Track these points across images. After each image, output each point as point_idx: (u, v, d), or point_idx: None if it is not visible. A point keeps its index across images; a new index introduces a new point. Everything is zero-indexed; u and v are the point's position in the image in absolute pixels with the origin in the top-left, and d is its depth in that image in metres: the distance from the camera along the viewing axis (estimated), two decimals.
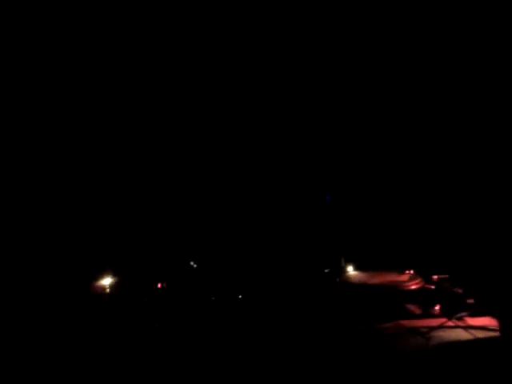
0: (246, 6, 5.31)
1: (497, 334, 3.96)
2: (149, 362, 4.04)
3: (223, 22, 5.39)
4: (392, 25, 5.35)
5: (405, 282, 4.71)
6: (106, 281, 5.56)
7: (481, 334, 4.04)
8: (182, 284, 5.29)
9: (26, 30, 5.17)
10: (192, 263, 5.27)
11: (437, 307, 4.49)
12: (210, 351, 4.14)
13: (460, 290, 4.51)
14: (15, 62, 5.24)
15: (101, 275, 5.54)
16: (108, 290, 5.45)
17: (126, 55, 5.45)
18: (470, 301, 4.42)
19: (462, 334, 4.09)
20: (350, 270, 5.02)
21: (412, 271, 4.98)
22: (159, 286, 5.26)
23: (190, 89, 5.61)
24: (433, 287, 4.67)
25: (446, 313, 4.40)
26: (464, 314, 4.29)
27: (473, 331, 4.11)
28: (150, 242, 5.77)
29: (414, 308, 4.60)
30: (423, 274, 4.90)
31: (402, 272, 4.94)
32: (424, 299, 4.60)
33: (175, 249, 5.62)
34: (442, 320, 4.28)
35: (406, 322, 4.38)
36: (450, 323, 4.22)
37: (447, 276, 4.81)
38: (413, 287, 4.65)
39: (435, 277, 4.83)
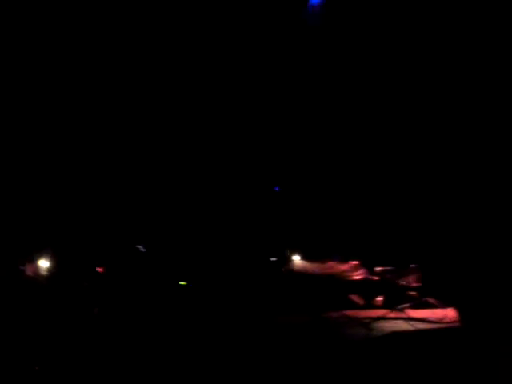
0: (246, 6, 5.26)
1: (436, 325, 4.04)
2: (87, 348, 3.91)
3: (223, 21, 5.32)
4: (392, 25, 5.36)
5: (349, 272, 4.74)
6: (44, 263, 5.34)
7: (421, 326, 4.11)
8: (123, 268, 5.13)
9: (27, 30, 5.02)
10: (140, 247, 5.11)
11: (379, 298, 4.54)
12: (148, 338, 4.03)
13: (402, 282, 4.57)
14: (15, 62, 5.07)
15: (38, 256, 5.33)
16: (45, 273, 5.24)
17: (126, 55, 5.32)
18: (412, 293, 4.49)
19: (402, 326, 4.15)
20: (296, 259, 5.00)
21: (357, 262, 5.01)
22: (100, 270, 5.10)
23: (186, 88, 5.51)
24: (376, 278, 4.72)
25: (388, 304, 4.45)
26: (405, 305, 4.35)
27: (413, 323, 4.17)
28: (92, 223, 5.57)
29: (357, 298, 4.64)
30: (367, 264, 4.94)
31: (347, 262, 4.96)
32: (367, 290, 4.64)
33: (119, 231, 5.45)
34: (384, 311, 4.32)
35: (349, 312, 4.41)
36: (392, 314, 4.28)
37: (391, 268, 4.87)
38: (356, 278, 4.69)
39: (378, 268, 4.88)
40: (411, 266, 4.82)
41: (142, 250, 5.12)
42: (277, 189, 5.82)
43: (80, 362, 3.64)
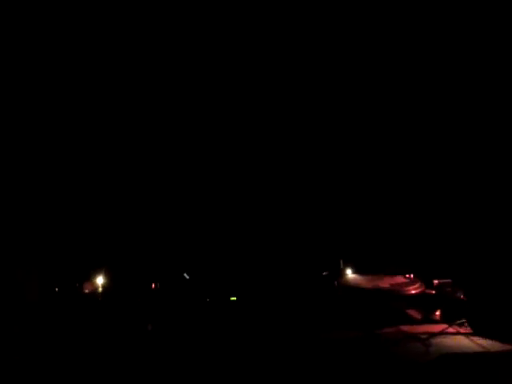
0: (246, 6, 5.25)
1: (498, 342, 3.83)
2: (142, 363, 3.93)
3: (223, 22, 5.33)
4: (392, 25, 5.26)
5: (405, 286, 4.58)
6: (99, 280, 5.45)
7: (482, 342, 3.91)
8: (176, 285, 5.17)
9: (27, 30, 5.14)
10: (185, 275, 5.15)
11: (437, 313, 4.36)
12: (203, 354, 4.02)
13: (461, 295, 4.37)
14: (16, 63, 5.20)
15: (94, 274, 5.43)
16: (100, 289, 5.33)
17: (126, 55, 5.39)
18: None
19: (463, 341, 3.96)
20: (349, 272, 4.88)
21: (412, 275, 4.84)
22: (153, 286, 5.14)
23: (187, 89, 5.53)
24: (433, 292, 4.54)
25: (447, 319, 4.26)
26: (465, 320, 4.15)
27: (474, 338, 3.98)
28: (146, 244, 5.64)
29: (414, 313, 4.47)
30: (424, 278, 4.76)
31: (402, 276, 4.80)
32: (424, 304, 4.47)
33: (169, 257, 5.50)
34: (443, 326, 4.14)
35: (406, 328, 4.25)
36: (451, 329, 4.09)
37: (448, 280, 4.68)
38: (413, 292, 4.52)
39: (436, 281, 4.69)
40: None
41: (187, 277, 5.14)
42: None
43: (137, 376, 3.66)
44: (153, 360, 4.00)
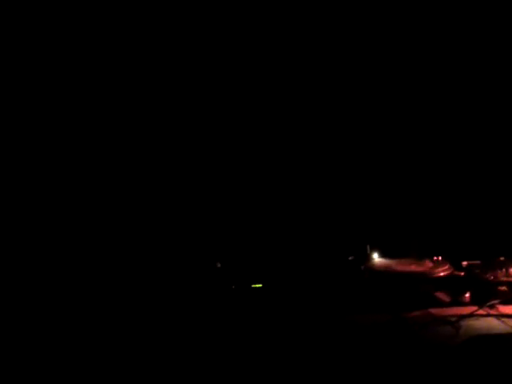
0: (246, 6, 5.24)
1: None
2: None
3: (223, 22, 5.32)
4: (392, 25, 5.20)
5: (433, 268, 4.51)
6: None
7: None
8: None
9: (26, 30, 5.17)
10: (218, 264, 5.14)
11: (467, 295, 4.30)
12: (226, 342, 4.02)
13: (491, 277, 4.30)
14: (15, 63, 5.25)
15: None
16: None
17: (126, 55, 5.41)
18: (502, 288, 4.21)
19: (493, 323, 3.91)
20: (375, 256, 4.83)
21: (440, 257, 4.77)
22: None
23: (190, 89, 5.54)
24: (462, 274, 4.47)
25: (477, 301, 4.21)
26: (496, 301, 4.09)
27: (505, 320, 3.92)
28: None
29: (443, 296, 4.42)
30: (452, 259, 4.69)
31: (430, 258, 4.73)
32: (453, 287, 4.41)
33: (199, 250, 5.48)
34: (473, 308, 4.09)
35: (435, 311, 4.21)
36: (481, 311, 4.04)
37: (478, 262, 4.60)
38: (441, 274, 4.46)
39: (465, 263, 4.62)
40: (500, 259, 4.52)
41: (219, 265, 5.12)
42: None
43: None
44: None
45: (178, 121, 5.43)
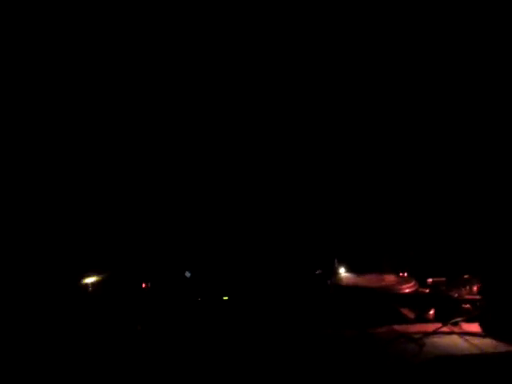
0: (246, 6, 5.24)
1: (493, 341, 3.80)
2: (131, 364, 3.88)
3: (223, 22, 5.31)
4: (392, 25, 5.24)
5: (398, 285, 4.53)
6: (89, 279, 5.37)
7: (477, 341, 3.87)
8: (167, 285, 5.09)
9: (26, 30, 5.12)
10: (187, 273, 5.07)
11: (431, 312, 4.32)
12: (194, 354, 3.97)
13: (456, 294, 4.33)
14: (15, 63, 5.18)
15: (84, 273, 5.35)
16: (90, 289, 5.25)
17: (126, 55, 5.37)
18: (466, 306, 4.25)
19: (457, 341, 3.93)
20: (342, 271, 4.84)
21: (405, 273, 4.80)
22: (143, 285, 5.07)
23: (190, 89, 5.52)
24: (427, 291, 4.50)
25: (441, 318, 4.23)
26: (459, 319, 4.12)
27: (468, 338, 3.95)
28: (139, 242, 5.57)
29: (408, 312, 4.43)
30: (417, 276, 4.72)
31: (396, 274, 4.76)
32: (418, 303, 4.43)
33: (165, 255, 5.43)
34: (437, 325, 4.11)
35: (399, 327, 4.21)
36: (445, 329, 4.05)
37: (443, 279, 4.64)
38: (406, 290, 4.48)
39: (430, 280, 4.66)
40: (464, 276, 4.57)
41: (188, 275, 5.07)
42: None
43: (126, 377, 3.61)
44: (143, 360, 3.94)
45: (174, 120, 5.38)
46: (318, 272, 4.91)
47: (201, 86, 5.38)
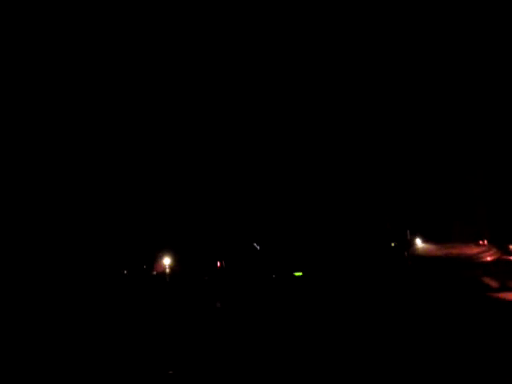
0: (246, 6, 5.18)
1: None
2: (212, 340, 3.96)
3: (223, 22, 5.27)
4: (392, 25, 5.07)
5: (479, 253, 4.37)
6: (166, 260, 5.52)
7: None
8: (241, 263, 5.16)
9: (27, 30, 5.20)
10: (255, 245, 5.12)
11: None
12: (273, 328, 4.00)
13: None
14: (16, 63, 5.28)
15: (161, 255, 5.50)
16: (168, 270, 5.40)
17: (126, 55, 5.40)
18: None
19: None
20: (418, 242, 4.72)
21: (486, 241, 4.63)
22: (218, 264, 5.15)
23: (189, 89, 5.52)
24: (511, 258, 4.32)
25: None
26: None
27: None
28: (211, 223, 5.66)
29: (491, 281, 4.27)
30: (498, 243, 4.54)
31: (476, 243, 4.59)
32: (501, 271, 4.26)
33: (237, 230, 5.50)
34: None
35: (483, 297, 4.06)
36: None
37: None
38: (488, 259, 4.31)
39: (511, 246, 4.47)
40: None
41: (257, 247, 5.11)
42: None
43: (208, 354, 3.68)
44: (223, 338, 4.00)
45: (174, 119, 5.44)
46: (393, 244, 4.82)
47: (201, 85, 5.37)
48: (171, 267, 5.40)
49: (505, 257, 4.30)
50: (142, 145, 5.73)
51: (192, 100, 5.47)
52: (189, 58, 5.34)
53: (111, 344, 3.93)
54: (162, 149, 5.72)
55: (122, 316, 4.51)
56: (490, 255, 4.31)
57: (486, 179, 5.34)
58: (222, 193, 5.71)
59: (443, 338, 3.58)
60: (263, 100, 5.53)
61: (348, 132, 5.61)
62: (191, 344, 3.85)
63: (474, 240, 4.71)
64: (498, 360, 3.21)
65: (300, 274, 4.63)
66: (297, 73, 5.36)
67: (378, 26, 5.07)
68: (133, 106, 5.43)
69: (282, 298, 4.48)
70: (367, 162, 5.56)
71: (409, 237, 5.08)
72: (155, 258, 5.56)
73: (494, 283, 4.22)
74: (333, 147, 5.58)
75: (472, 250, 4.49)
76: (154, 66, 5.33)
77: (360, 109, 5.59)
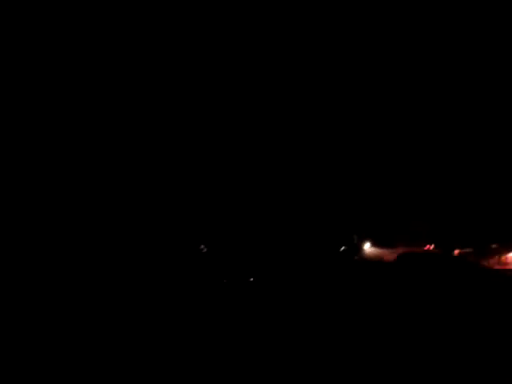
0: (246, 6, 5.20)
1: None
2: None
3: (223, 22, 5.27)
4: (392, 25, 5.18)
5: None
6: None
7: None
8: (186, 266, 5.07)
9: (27, 30, 5.09)
10: (202, 247, 5.05)
11: None
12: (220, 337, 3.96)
13: (484, 263, 4.27)
14: (16, 63, 5.16)
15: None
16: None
17: (126, 55, 5.34)
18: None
19: None
20: (367, 247, 4.78)
21: (433, 246, 4.74)
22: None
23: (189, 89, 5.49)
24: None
25: None
26: None
27: None
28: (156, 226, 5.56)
29: None
30: (444, 248, 4.66)
31: (422, 247, 4.69)
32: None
33: (183, 232, 5.42)
34: None
35: None
36: None
37: (470, 250, 4.57)
38: None
39: (457, 251, 4.59)
40: (492, 246, 4.50)
41: (204, 249, 5.05)
42: None
43: None
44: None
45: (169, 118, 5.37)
46: (342, 249, 4.86)
47: (200, 85, 5.35)
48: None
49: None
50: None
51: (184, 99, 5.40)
52: (189, 57, 5.28)
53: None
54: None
55: None
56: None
57: (432, 185, 5.46)
58: (160, 189, 5.63)
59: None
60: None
61: (292, 134, 5.64)
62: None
63: (420, 245, 4.81)
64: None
65: (252, 279, 4.61)
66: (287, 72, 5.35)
67: (378, 25, 5.10)
68: (133, 105, 5.34)
69: (234, 304, 4.45)
70: (313, 167, 5.59)
71: (356, 241, 5.15)
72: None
73: None
74: (281, 149, 5.58)
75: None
76: (154, 65, 5.26)
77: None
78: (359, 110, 5.61)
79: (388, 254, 4.65)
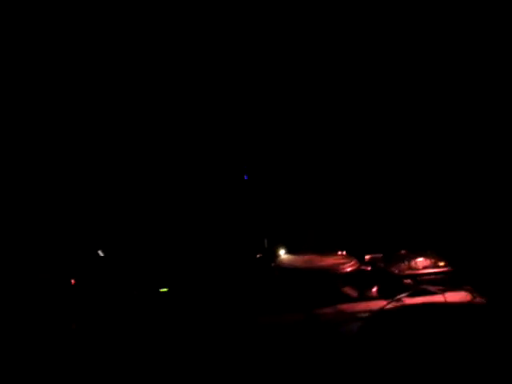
0: (246, 6, 5.11)
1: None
2: (69, 364, 3.68)
3: (223, 22, 5.15)
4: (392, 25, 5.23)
5: (339, 264, 4.53)
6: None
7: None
8: (93, 277, 4.78)
9: (26, 30, 4.86)
10: (99, 252, 4.78)
11: (374, 289, 4.37)
12: (134, 349, 3.80)
13: (396, 270, 4.41)
14: (15, 63, 4.90)
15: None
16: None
17: (126, 55, 5.16)
18: (407, 281, 4.33)
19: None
20: (282, 253, 4.77)
21: (344, 252, 4.82)
22: (72, 282, 4.74)
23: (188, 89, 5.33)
24: (368, 268, 4.54)
25: (384, 295, 4.28)
26: (403, 295, 4.18)
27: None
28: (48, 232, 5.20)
29: (351, 291, 4.45)
30: (356, 254, 4.75)
31: (335, 254, 4.76)
32: (360, 281, 4.46)
33: (79, 237, 5.11)
34: (381, 303, 4.15)
35: (345, 306, 4.22)
36: (391, 306, 4.10)
37: (379, 255, 4.70)
38: (348, 269, 4.49)
39: (368, 256, 4.70)
40: (401, 252, 4.66)
41: (101, 254, 4.77)
42: (246, 177, 5.54)
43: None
44: (81, 359, 3.75)
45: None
46: (258, 256, 4.82)
47: (200, 85, 5.20)
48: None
49: (364, 267, 4.51)
50: None
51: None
52: (189, 57, 5.04)
53: None
54: None
55: None
56: (349, 266, 4.47)
57: (341, 190, 5.56)
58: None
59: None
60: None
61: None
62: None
63: (332, 251, 4.87)
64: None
65: (165, 290, 4.43)
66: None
67: (378, 26, 5.06)
68: (133, 105, 5.04)
69: (144, 313, 4.27)
70: (220, 171, 5.52)
71: (266, 246, 5.14)
72: None
73: (353, 292, 4.40)
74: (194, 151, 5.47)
75: (332, 260, 4.64)
76: (154, 65, 5.01)
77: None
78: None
79: (301, 261, 4.65)
